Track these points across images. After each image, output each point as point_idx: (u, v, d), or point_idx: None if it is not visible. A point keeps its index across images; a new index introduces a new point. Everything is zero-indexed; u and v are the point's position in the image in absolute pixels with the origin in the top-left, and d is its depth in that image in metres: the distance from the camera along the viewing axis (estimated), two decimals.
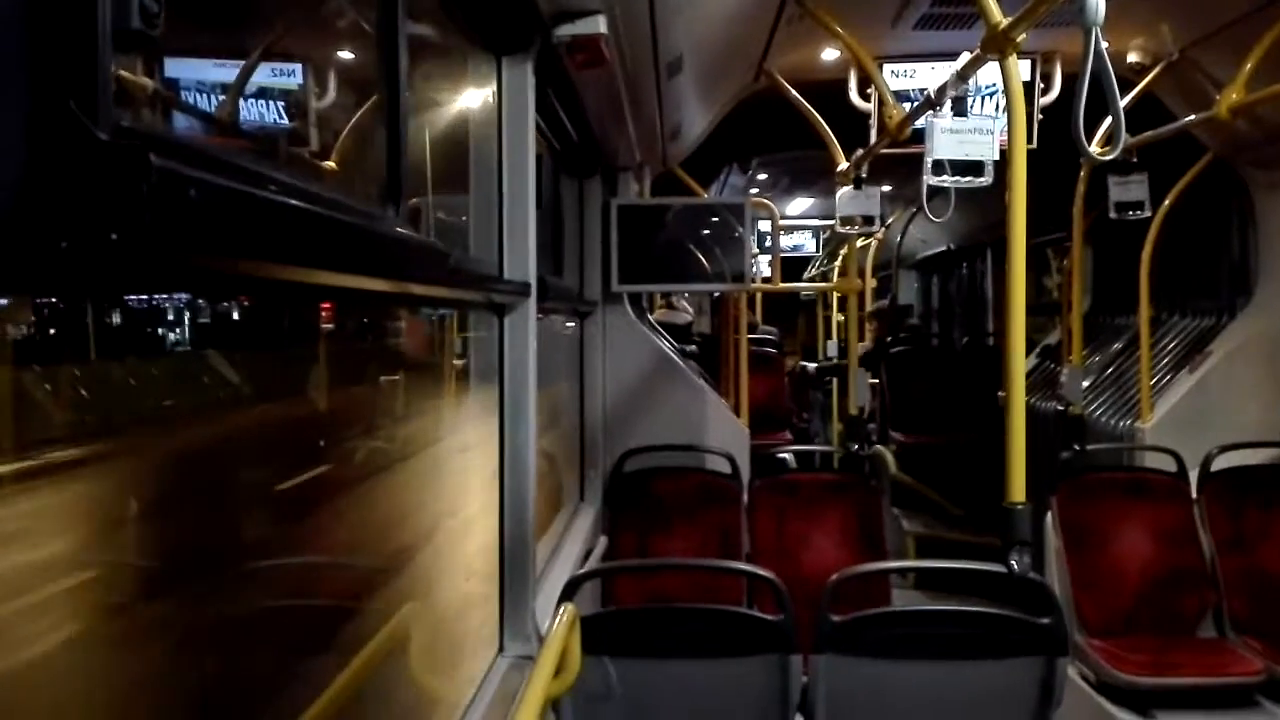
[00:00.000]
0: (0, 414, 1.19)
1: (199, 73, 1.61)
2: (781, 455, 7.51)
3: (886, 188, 6.68)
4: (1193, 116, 4.48)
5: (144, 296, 1.64)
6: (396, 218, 1.78)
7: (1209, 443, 4.82)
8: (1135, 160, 4.94)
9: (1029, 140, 4.57)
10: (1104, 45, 2.24)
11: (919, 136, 3.91)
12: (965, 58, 3.25)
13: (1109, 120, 3.15)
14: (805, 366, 11.35)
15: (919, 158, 3.78)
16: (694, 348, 7.16)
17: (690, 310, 8.69)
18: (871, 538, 4.77)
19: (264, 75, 1.79)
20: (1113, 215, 5.07)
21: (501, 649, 2.76)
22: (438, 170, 2.47)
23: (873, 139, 4.83)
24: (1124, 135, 2.36)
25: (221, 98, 1.65)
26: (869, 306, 9.63)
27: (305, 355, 2.04)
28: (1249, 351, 5.24)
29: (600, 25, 2.71)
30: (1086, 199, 5.58)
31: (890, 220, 10.19)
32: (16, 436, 1.21)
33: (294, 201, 1.21)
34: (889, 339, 9.44)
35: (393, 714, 2.20)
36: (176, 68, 1.52)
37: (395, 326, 2.64)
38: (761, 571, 3.09)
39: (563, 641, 2.45)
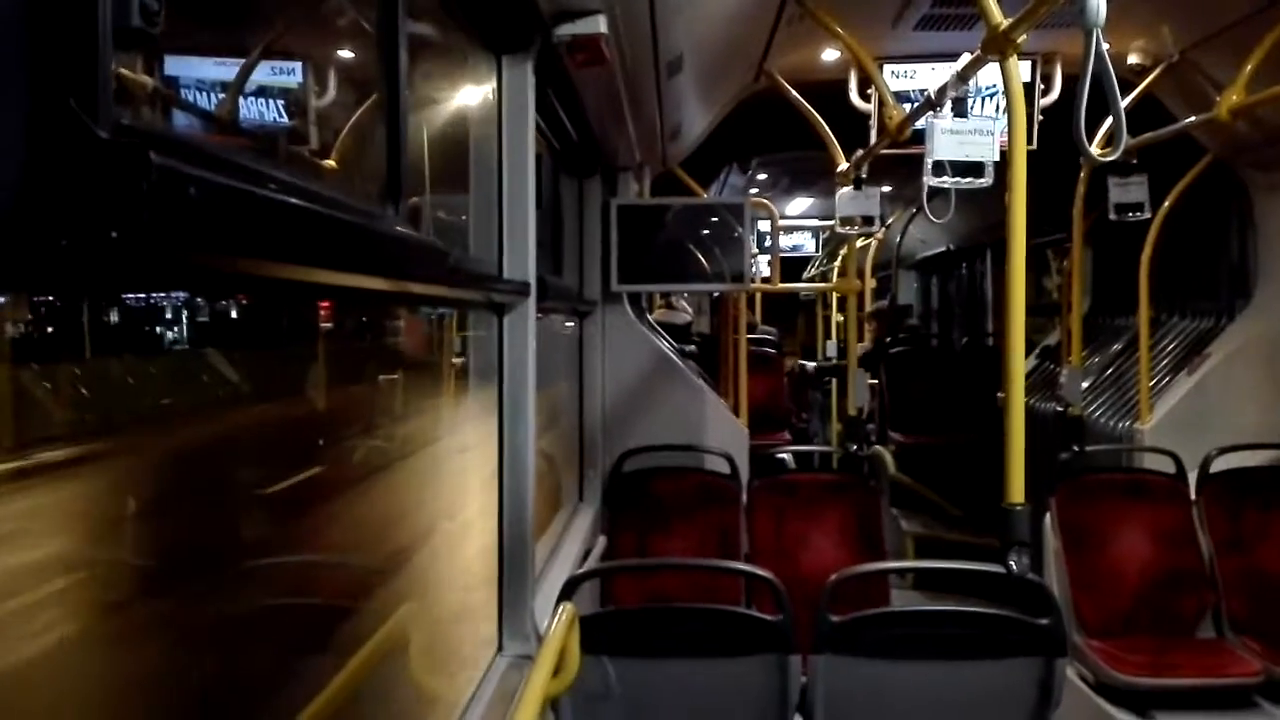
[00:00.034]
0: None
1: (199, 71, 1.60)
2: (780, 455, 7.51)
3: (886, 188, 6.68)
4: (1193, 118, 4.48)
5: (141, 295, 1.63)
6: (396, 217, 1.78)
7: (1208, 444, 4.82)
8: (1135, 162, 4.94)
9: (1029, 141, 4.57)
10: (1105, 47, 2.24)
11: (919, 137, 3.91)
12: (966, 59, 3.25)
13: (1109, 121, 3.15)
14: (804, 366, 11.35)
15: (919, 158, 3.79)
16: (693, 348, 7.17)
17: (689, 310, 8.69)
18: (870, 538, 4.78)
19: (264, 74, 1.78)
20: (1112, 216, 5.07)
21: (500, 648, 2.76)
22: (437, 169, 2.47)
23: (873, 139, 4.83)
24: (1125, 136, 2.36)
25: (221, 96, 1.65)
26: (868, 307, 9.63)
27: (303, 354, 2.04)
28: (1248, 353, 5.24)
29: (600, 25, 2.71)
30: (1086, 200, 5.59)
31: (890, 220, 10.19)
32: (14, 435, 1.21)
33: (293, 200, 1.21)
34: (888, 339, 9.44)
35: (391, 713, 2.20)
36: (176, 66, 1.52)
37: (394, 325, 2.64)
38: (760, 571, 3.09)
39: (561, 641, 2.44)
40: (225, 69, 1.69)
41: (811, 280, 12.48)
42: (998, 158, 3.67)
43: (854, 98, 4.92)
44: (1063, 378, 5.87)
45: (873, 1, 4.35)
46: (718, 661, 2.90)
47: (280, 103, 1.82)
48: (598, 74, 3.09)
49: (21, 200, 0.74)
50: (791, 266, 11.58)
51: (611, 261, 4.98)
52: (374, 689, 2.05)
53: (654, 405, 5.24)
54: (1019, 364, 2.57)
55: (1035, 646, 2.85)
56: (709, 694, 2.92)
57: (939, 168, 3.68)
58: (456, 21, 2.53)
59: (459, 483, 2.78)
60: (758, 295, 11.02)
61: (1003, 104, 4.54)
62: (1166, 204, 5.25)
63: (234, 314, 1.83)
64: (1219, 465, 4.76)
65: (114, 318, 1.53)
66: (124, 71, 1.02)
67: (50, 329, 1.31)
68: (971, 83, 3.76)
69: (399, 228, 1.79)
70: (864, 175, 5.06)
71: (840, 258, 8.86)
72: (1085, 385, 6.05)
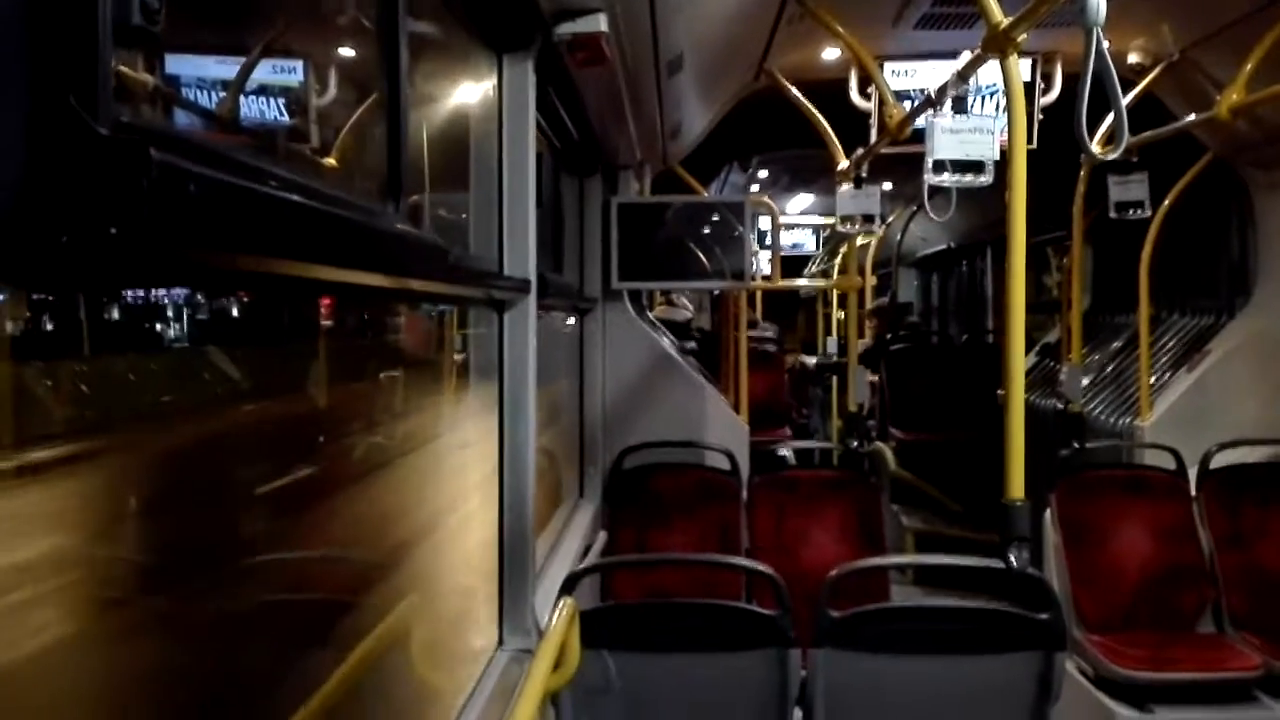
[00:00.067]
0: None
1: (200, 69, 1.61)
2: (781, 452, 7.51)
3: (887, 186, 6.68)
4: (1193, 116, 4.49)
5: (141, 292, 1.64)
6: (396, 214, 1.79)
7: (1208, 441, 4.83)
8: (1135, 160, 4.95)
9: (1029, 140, 4.57)
10: (1105, 45, 2.24)
11: (919, 136, 3.91)
12: (966, 57, 3.26)
13: (1109, 119, 3.15)
14: (805, 362, 11.35)
15: (919, 157, 3.79)
16: (694, 344, 7.17)
17: (690, 307, 8.70)
18: (870, 534, 4.78)
19: (265, 72, 1.79)
20: (1113, 215, 5.08)
21: (501, 643, 2.77)
22: (438, 167, 2.48)
23: (873, 138, 4.84)
24: (1126, 134, 2.37)
25: (222, 94, 1.66)
26: (869, 304, 9.63)
27: (304, 351, 2.04)
28: (1247, 350, 5.25)
29: (601, 23, 2.71)
30: (1086, 198, 5.59)
31: (890, 218, 10.19)
32: (13, 433, 1.22)
33: (294, 197, 1.21)
34: (889, 336, 9.45)
35: (392, 707, 2.21)
36: (178, 64, 1.53)
37: (395, 323, 2.64)
38: (760, 567, 3.09)
39: (562, 636, 2.45)
40: (226, 67, 1.70)
41: (812, 277, 12.48)
42: (998, 156, 3.67)
43: (854, 96, 4.93)
44: (1063, 375, 5.88)
45: (873, 0, 4.35)
46: (717, 656, 2.91)
47: (281, 101, 1.82)
48: (598, 72, 3.10)
49: (21, 197, 0.75)
50: (792, 264, 11.59)
51: (612, 259, 4.99)
52: (375, 683, 2.06)
53: (654, 402, 5.24)
54: (1019, 361, 2.58)
55: (1035, 641, 2.85)
56: (709, 688, 2.93)
57: (939, 166, 3.68)
58: (457, 20, 2.53)
59: (460, 478, 2.78)
60: (758, 292, 11.03)
61: (1003, 102, 4.54)
62: (1167, 202, 5.26)
63: (235, 311, 1.84)
64: (1219, 461, 4.77)
65: (111, 314, 1.54)
66: (125, 70, 1.02)
67: (47, 325, 1.32)
68: (972, 81, 3.76)
69: (399, 225, 1.80)
70: (864, 174, 5.06)
71: (841, 255, 8.86)
72: (1085, 382, 6.06)
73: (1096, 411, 5.96)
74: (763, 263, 8.74)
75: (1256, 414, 5.11)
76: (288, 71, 1.87)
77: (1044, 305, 8.38)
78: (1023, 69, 4.62)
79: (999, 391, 5.24)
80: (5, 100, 0.75)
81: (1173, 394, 5.34)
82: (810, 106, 5.11)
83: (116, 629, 1.35)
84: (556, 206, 4.73)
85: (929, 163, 3.67)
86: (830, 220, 6.31)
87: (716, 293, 8.97)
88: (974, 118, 4.19)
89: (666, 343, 5.46)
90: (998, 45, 2.57)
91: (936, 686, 2.92)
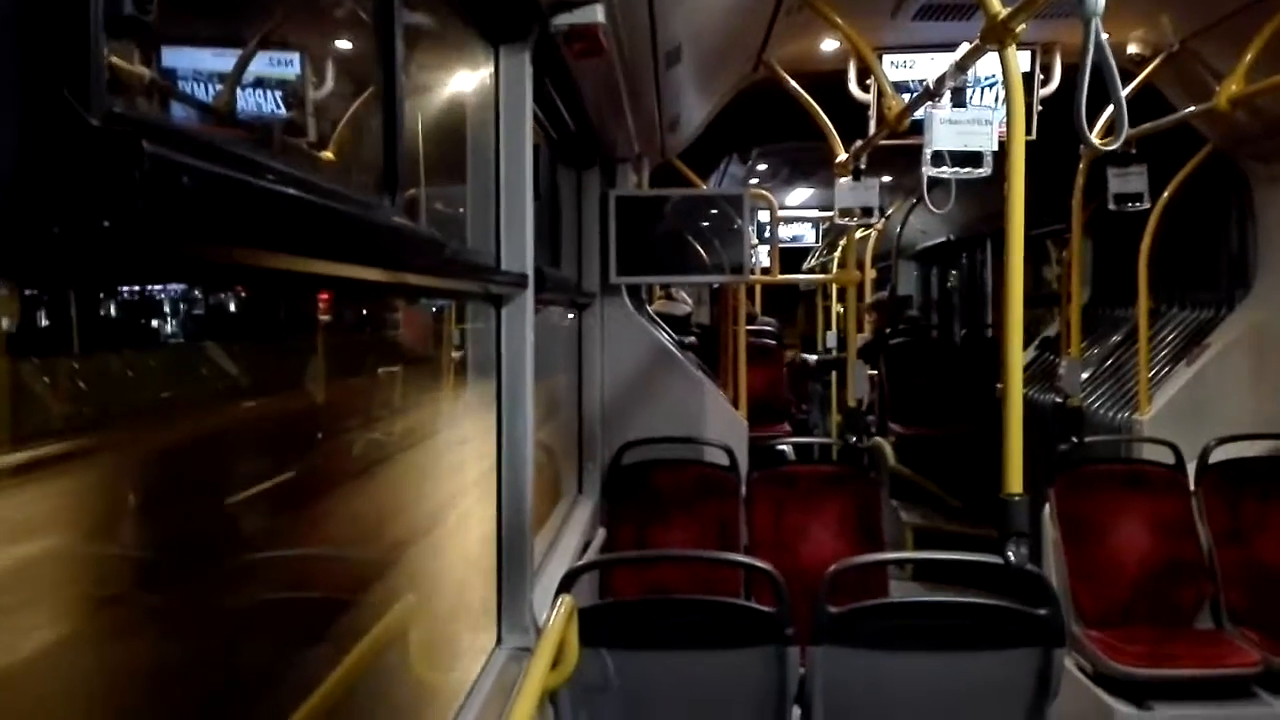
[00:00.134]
0: None
1: (197, 61, 1.60)
2: (780, 447, 7.51)
3: (886, 178, 6.68)
4: (1192, 108, 4.48)
5: (135, 286, 1.63)
6: (393, 207, 1.77)
7: (1207, 435, 4.82)
8: (1134, 152, 4.93)
9: (1028, 131, 4.57)
10: (1104, 36, 2.23)
11: (918, 127, 3.90)
12: (964, 48, 3.24)
13: (1109, 111, 3.14)
14: (805, 359, 11.35)
15: (918, 149, 3.77)
16: (693, 339, 7.16)
17: (689, 301, 8.68)
18: (869, 529, 4.78)
19: (262, 64, 1.78)
20: (1112, 207, 5.07)
21: (499, 641, 2.76)
22: (435, 160, 2.47)
23: (872, 130, 4.82)
24: (1125, 126, 2.36)
25: (219, 87, 1.64)
26: (868, 298, 9.62)
27: (300, 346, 2.03)
28: (1247, 344, 5.24)
29: (598, 14, 2.70)
30: (1086, 190, 5.58)
31: (890, 211, 10.18)
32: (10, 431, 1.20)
33: (289, 190, 1.20)
34: (888, 330, 9.44)
35: (390, 706, 2.20)
36: (174, 57, 1.51)
37: (393, 318, 2.63)
38: (759, 563, 3.09)
39: (560, 633, 2.44)
40: (223, 60, 1.68)
41: (811, 271, 12.47)
42: (996, 148, 3.66)
43: (853, 88, 4.92)
44: (1062, 369, 5.87)
45: None
46: (716, 653, 2.90)
47: (278, 94, 1.81)
48: (596, 64, 3.08)
49: (13, 189, 0.74)
50: (791, 257, 11.57)
51: (610, 253, 4.97)
52: (373, 682, 2.05)
53: (653, 397, 5.23)
54: (1017, 355, 2.57)
55: (1033, 637, 2.85)
56: (707, 685, 2.92)
57: (938, 158, 3.67)
58: (454, 11, 2.52)
59: (458, 474, 2.77)
60: (757, 286, 11.02)
61: (1002, 94, 4.53)
62: (1166, 194, 5.25)
63: (231, 306, 1.83)
64: (1218, 456, 4.76)
65: (103, 309, 1.52)
66: (121, 62, 1.01)
67: (38, 320, 1.31)
68: (970, 73, 3.75)
69: (396, 218, 1.79)
70: (863, 166, 5.05)
71: (840, 248, 8.86)
72: (1084, 376, 6.05)
73: (1095, 406, 5.95)
74: (762, 256, 8.73)
75: (1255, 408, 5.11)
76: (285, 64, 1.85)
77: (1043, 298, 8.37)
78: (1022, 60, 4.60)
79: (998, 386, 5.24)
80: None
81: (1172, 388, 5.34)
82: (809, 98, 5.09)
83: (109, 629, 1.34)
84: (554, 200, 4.72)
85: (927, 154, 3.66)
86: (830, 213, 6.29)
87: (716, 286, 8.96)
88: (973, 109, 4.19)
89: (665, 337, 5.45)
90: (996, 36, 2.56)
91: (935, 683, 2.91)
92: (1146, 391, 5.36)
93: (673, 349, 5.40)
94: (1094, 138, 2.54)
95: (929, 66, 4.82)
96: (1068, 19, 4.20)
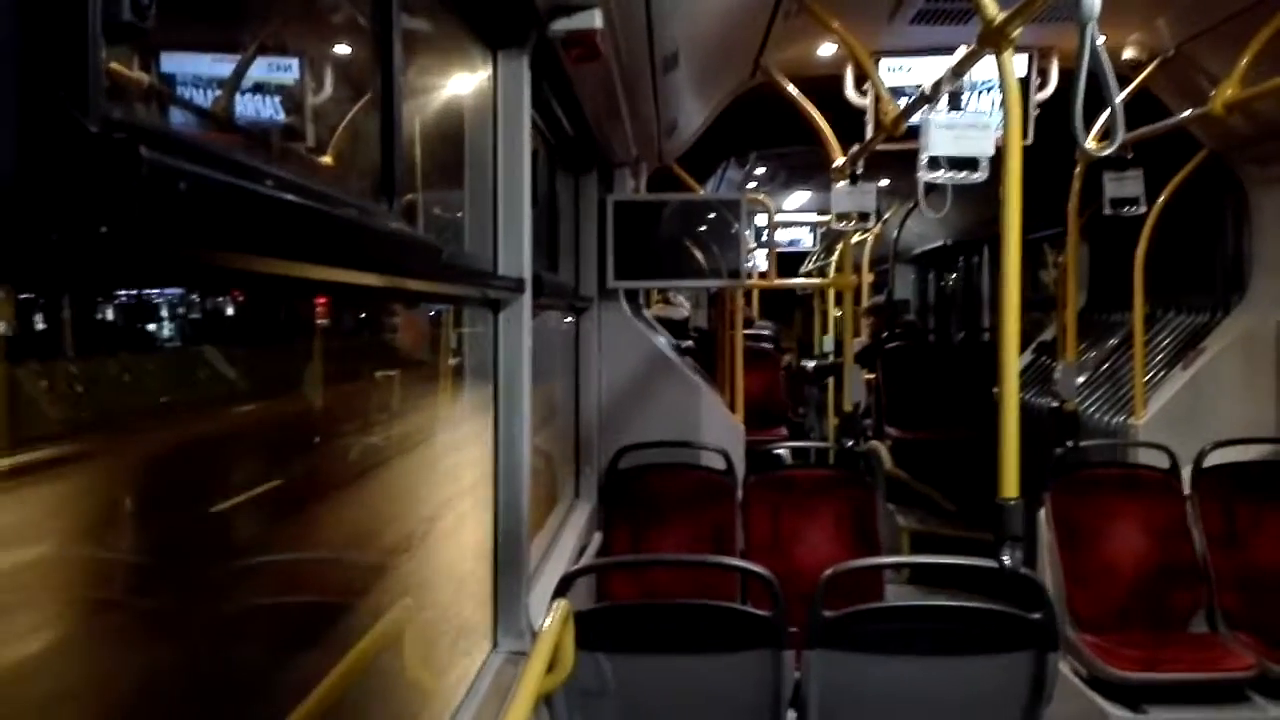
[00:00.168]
0: None
1: (195, 67, 1.60)
2: (777, 451, 7.51)
3: (883, 183, 6.69)
4: (1188, 112, 4.49)
5: (132, 291, 1.63)
6: (391, 213, 1.78)
7: (1202, 439, 4.82)
8: (1131, 156, 4.94)
9: (1025, 136, 4.58)
10: (1100, 41, 2.24)
11: (915, 132, 3.90)
12: (961, 53, 3.25)
13: (1105, 115, 3.14)
14: (804, 365, 11.35)
15: (915, 153, 3.78)
16: (690, 343, 7.16)
17: (687, 305, 8.69)
18: (865, 533, 4.78)
19: (261, 70, 1.78)
20: (1108, 211, 5.08)
21: (495, 645, 2.76)
22: (433, 166, 2.47)
23: (869, 134, 4.83)
24: (1121, 130, 2.36)
25: (218, 93, 1.65)
26: (865, 302, 9.63)
27: (298, 351, 2.03)
28: (1242, 348, 5.25)
29: (596, 20, 2.70)
30: (1082, 195, 5.59)
31: (887, 215, 10.19)
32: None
33: (287, 195, 1.20)
34: (885, 335, 9.45)
35: (385, 710, 2.20)
36: (173, 63, 1.51)
37: (391, 323, 2.63)
38: (755, 567, 3.09)
39: (556, 637, 2.45)
40: (222, 65, 1.69)
41: (809, 275, 12.48)
42: (993, 152, 3.66)
43: (850, 92, 4.92)
44: (1058, 373, 5.88)
45: None
46: (712, 657, 2.91)
47: (276, 99, 1.81)
48: (594, 69, 3.09)
49: (11, 194, 0.74)
50: (789, 261, 11.59)
51: (608, 258, 4.97)
52: (368, 686, 2.05)
53: (650, 402, 5.24)
54: (1013, 359, 2.58)
55: (1028, 641, 2.85)
56: (703, 689, 2.92)
57: (934, 163, 3.67)
58: (452, 16, 2.52)
59: (454, 479, 2.77)
60: (755, 290, 11.04)
61: (998, 98, 4.54)
62: (1162, 199, 5.26)
63: (229, 310, 1.83)
64: (1213, 460, 4.77)
65: (100, 313, 1.53)
66: (120, 68, 1.01)
67: (38, 325, 1.31)
68: (967, 77, 3.76)
69: (393, 224, 1.79)
70: (860, 170, 5.05)
71: (837, 253, 8.87)
72: (1080, 380, 6.06)
73: (1091, 410, 5.96)
74: (759, 260, 8.74)
75: (1251, 412, 5.12)
76: (283, 69, 1.86)
77: (1040, 302, 8.38)
78: (1018, 65, 4.60)
79: (994, 390, 5.25)
80: None
81: (1167, 392, 5.35)
82: (806, 103, 5.10)
83: (103, 633, 1.34)
84: (552, 205, 4.72)
85: (924, 159, 3.66)
86: (827, 217, 6.30)
87: (713, 291, 8.97)
88: (969, 114, 4.19)
89: (662, 342, 5.45)
90: (993, 40, 2.57)
91: (929, 687, 2.91)
92: (1142, 396, 5.37)
93: (670, 353, 5.40)
94: (1090, 142, 2.55)
95: (926, 71, 4.83)
96: (1064, 24, 4.22)
